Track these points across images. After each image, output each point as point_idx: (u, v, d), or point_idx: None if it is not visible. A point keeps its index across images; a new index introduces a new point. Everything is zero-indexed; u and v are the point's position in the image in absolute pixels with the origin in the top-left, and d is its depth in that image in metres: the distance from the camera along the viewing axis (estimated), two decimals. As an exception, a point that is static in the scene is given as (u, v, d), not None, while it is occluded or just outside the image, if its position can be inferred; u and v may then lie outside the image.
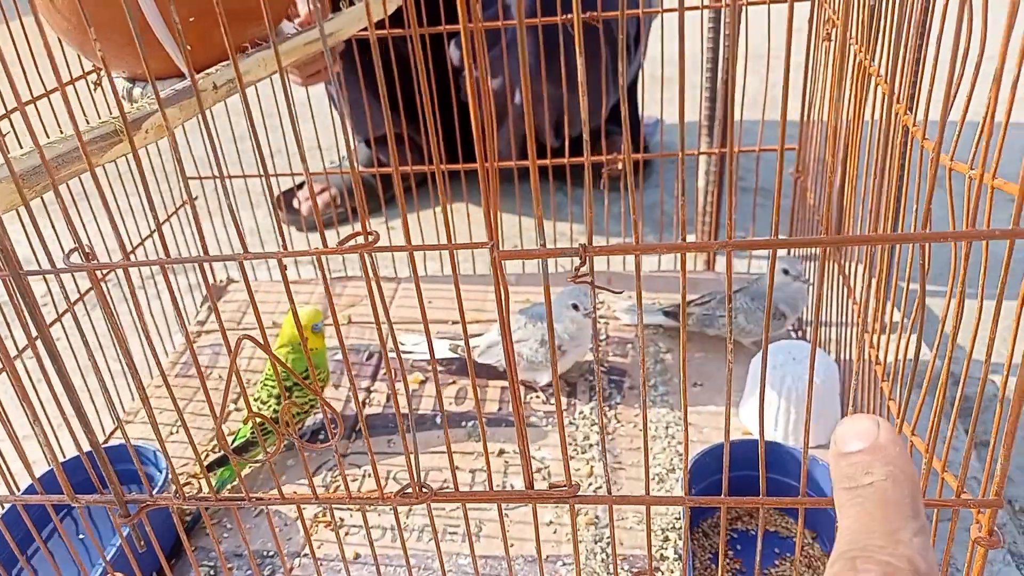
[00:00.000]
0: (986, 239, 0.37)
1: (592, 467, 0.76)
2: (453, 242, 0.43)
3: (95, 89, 0.78)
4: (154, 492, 0.51)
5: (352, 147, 1.30)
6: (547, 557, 0.67)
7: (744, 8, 0.93)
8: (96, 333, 0.77)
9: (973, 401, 0.43)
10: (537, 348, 0.83)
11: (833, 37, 0.76)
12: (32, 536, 0.54)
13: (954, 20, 0.43)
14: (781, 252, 1.00)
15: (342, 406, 0.88)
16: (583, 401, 0.85)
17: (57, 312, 0.81)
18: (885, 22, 0.57)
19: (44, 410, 0.65)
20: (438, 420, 0.85)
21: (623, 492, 0.73)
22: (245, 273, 0.44)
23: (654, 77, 1.58)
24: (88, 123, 0.49)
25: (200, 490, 0.75)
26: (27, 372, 0.67)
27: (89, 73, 0.82)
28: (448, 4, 0.97)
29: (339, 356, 0.95)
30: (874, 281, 0.62)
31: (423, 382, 0.90)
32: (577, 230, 1.30)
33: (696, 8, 0.91)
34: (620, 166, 0.99)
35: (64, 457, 0.72)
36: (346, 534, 0.71)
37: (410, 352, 0.91)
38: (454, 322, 0.99)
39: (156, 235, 0.63)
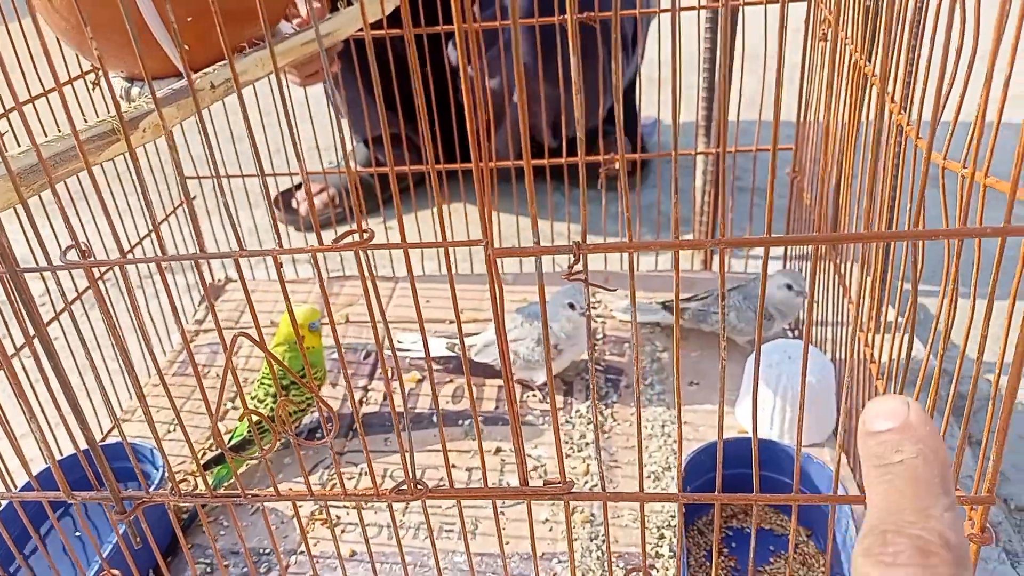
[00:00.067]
0: (977, 236, 0.38)
1: (588, 465, 0.76)
2: (448, 240, 0.43)
3: (93, 88, 0.78)
4: (150, 489, 0.51)
5: (351, 147, 1.30)
6: (543, 555, 0.68)
7: (741, 8, 0.94)
8: (95, 333, 0.77)
9: (967, 399, 0.44)
10: (534, 347, 0.84)
11: (829, 37, 0.76)
12: (30, 534, 0.54)
13: (948, 19, 0.43)
14: (778, 257, 1.00)
15: (339, 404, 0.88)
16: (580, 400, 0.85)
17: (55, 311, 0.81)
18: (880, 21, 0.57)
19: (42, 408, 0.65)
20: (435, 418, 0.85)
21: (619, 490, 0.73)
22: (241, 271, 0.44)
23: (652, 78, 1.58)
24: (87, 122, 0.49)
25: (196, 487, 0.75)
26: (24, 371, 0.67)
27: (88, 73, 0.83)
28: (445, 4, 0.97)
29: (336, 354, 0.96)
30: (868, 280, 0.62)
31: (420, 380, 0.90)
32: (574, 230, 1.30)
33: (693, 8, 0.92)
34: (617, 166, 0.99)
35: (62, 455, 0.72)
36: (342, 532, 0.72)
37: (407, 351, 0.91)
38: (451, 321, 0.99)
39: (153, 233, 0.63)
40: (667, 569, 0.65)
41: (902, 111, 0.54)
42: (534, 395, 0.87)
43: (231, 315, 1.05)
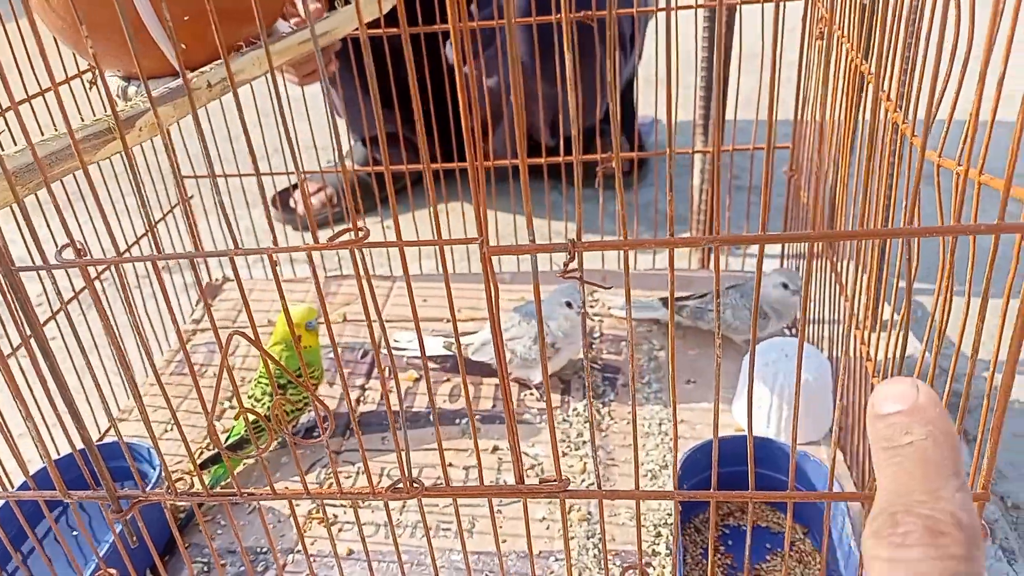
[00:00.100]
0: (971, 234, 0.38)
1: (585, 464, 0.76)
2: (443, 239, 0.43)
3: (91, 88, 0.78)
4: (148, 489, 0.51)
5: (349, 146, 1.30)
6: (540, 553, 0.68)
7: (738, 8, 0.94)
8: (92, 333, 0.77)
9: (962, 396, 0.44)
10: (531, 346, 0.84)
11: (825, 35, 0.76)
12: (28, 533, 0.54)
13: (942, 18, 0.43)
14: (776, 256, 1.00)
15: (337, 404, 0.88)
16: (577, 398, 0.85)
17: (52, 312, 0.81)
18: (876, 19, 0.57)
19: (39, 408, 0.65)
20: (431, 417, 0.85)
21: (616, 488, 0.73)
22: (236, 270, 0.44)
23: (650, 78, 1.58)
24: (84, 121, 0.49)
25: (192, 486, 0.75)
26: (22, 371, 0.67)
27: (85, 72, 0.83)
28: (443, 3, 0.97)
29: (333, 353, 0.96)
30: (864, 277, 0.62)
31: (417, 380, 0.90)
32: (572, 229, 1.30)
33: (690, 7, 0.92)
34: (615, 165, 0.99)
35: (60, 455, 0.72)
36: (339, 531, 0.72)
37: (404, 350, 0.91)
38: (449, 320, 0.99)
39: (153, 225, 0.63)
40: (664, 567, 0.65)
41: (897, 109, 0.54)
42: (531, 394, 0.87)
43: (229, 314, 1.05)
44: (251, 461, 0.79)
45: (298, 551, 0.70)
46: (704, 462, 0.66)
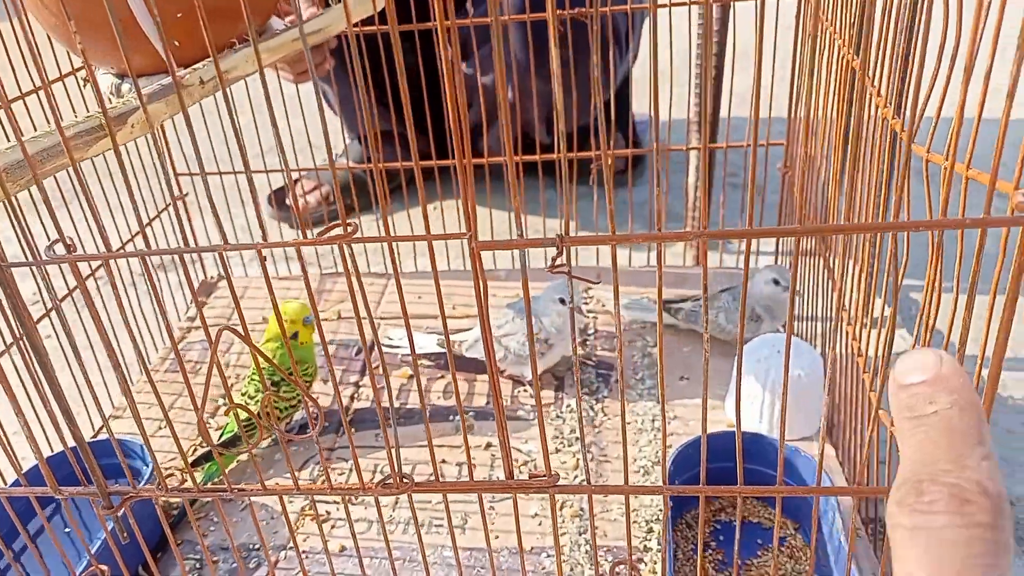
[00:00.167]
0: (956, 228, 0.38)
1: (578, 460, 0.77)
2: (432, 234, 0.43)
3: (85, 85, 0.78)
4: (140, 485, 0.51)
5: (344, 144, 1.30)
6: (532, 549, 0.68)
7: (732, 5, 0.94)
8: (86, 332, 0.77)
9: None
10: (524, 342, 0.84)
11: (819, 32, 0.76)
12: (20, 531, 0.54)
13: (927, 15, 0.43)
14: (771, 252, 1.01)
15: (331, 400, 0.89)
16: (571, 395, 0.85)
17: (47, 309, 0.81)
18: (867, 15, 0.58)
19: (32, 406, 0.65)
20: (427, 414, 0.85)
21: (608, 484, 0.74)
22: (226, 265, 0.44)
23: (647, 76, 1.58)
24: (77, 118, 0.49)
25: (183, 482, 0.76)
26: (15, 367, 0.67)
27: (79, 69, 0.83)
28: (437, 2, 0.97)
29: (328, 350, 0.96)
30: (856, 272, 0.62)
31: (411, 377, 0.90)
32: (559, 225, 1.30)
33: (684, 4, 0.92)
34: (610, 162, 1.00)
35: (54, 453, 0.72)
36: (332, 527, 0.72)
37: (398, 347, 0.92)
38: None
39: (147, 224, 0.63)
40: (656, 563, 0.65)
41: (888, 104, 0.54)
42: (525, 390, 0.87)
43: (224, 311, 1.05)
44: (245, 458, 0.79)
45: (291, 547, 0.70)
46: (696, 457, 0.66)
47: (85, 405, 0.82)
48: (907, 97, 0.48)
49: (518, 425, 0.82)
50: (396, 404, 0.87)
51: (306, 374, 0.81)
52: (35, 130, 0.62)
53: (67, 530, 0.74)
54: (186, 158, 1.03)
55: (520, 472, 0.76)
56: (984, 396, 0.40)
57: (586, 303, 0.99)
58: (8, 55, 0.74)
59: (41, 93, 0.77)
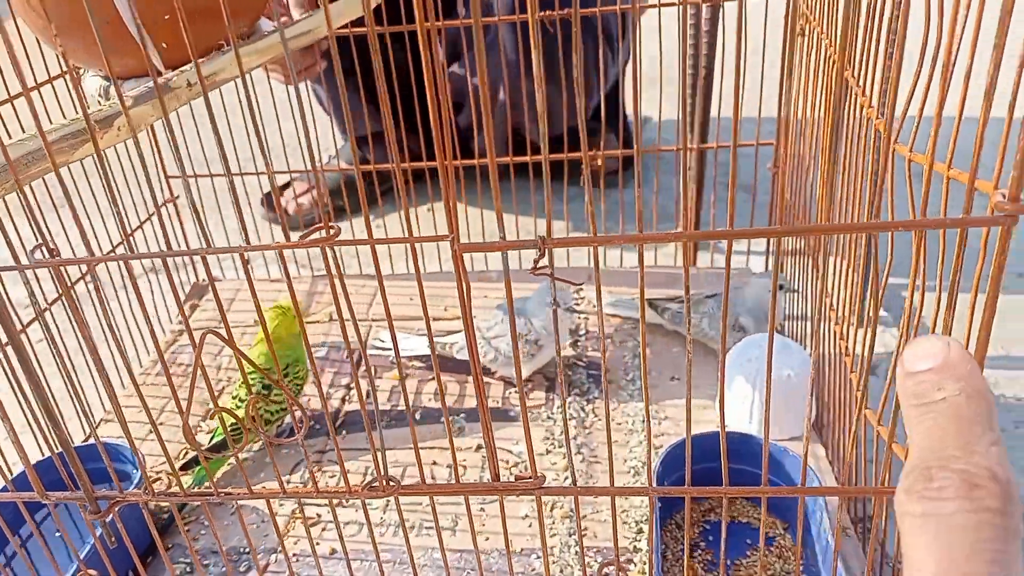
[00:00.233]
0: (936, 228, 0.38)
1: (571, 461, 0.76)
2: (414, 236, 0.43)
3: (78, 86, 0.78)
4: (130, 489, 0.51)
5: (337, 146, 1.29)
6: (523, 550, 0.68)
7: (721, 6, 0.94)
8: (77, 338, 0.77)
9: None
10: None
11: (807, 32, 0.76)
12: (8, 536, 0.54)
13: (904, 13, 0.43)
14: (761, 252, 1.00)
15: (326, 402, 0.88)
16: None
17: (37, 314, 0.81)
18: (852, 14, 0.58)
19: (23, 410, 0.65)
20: (418, 416, 0.85)
21: (601, 486, 0.74)
22: (208, 269, 0.44)
23: (639, 77, 1.57)
24: (65, 121, 0.49)
25: (169, 486, 0.75)
26: (4, 372, 0.67)
27: (67, 72, 0.83)
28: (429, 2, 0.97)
29: (320, 353, 0.96)
30: (842, 271, 0.62)
31: (405, 377, 0.90)
32: (559, 227, 1.30)
33: (673, 4, 0.92)
34: (600, 163, 1.00)
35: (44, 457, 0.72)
36: (323, 530, 0.72)
37: (389, 349, 0.91)
38: (435, 319, 0.99)
39: (131, 232, 0.63)
40: (645, 563, 0.65)
41: (871, 104, 0.54)
42: (516, 392, 0.87)
43: (216, 314, 1.05)
44: (230, 460, 0.79)
45: (280, 551, 0.70)
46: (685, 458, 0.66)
47: (78, 411, 0.82)
48: (885, 95, 0.48)
49: (510, 428, 0.82)
50: (387, 406, 0.87)
51: (297, 376, 0.81)
52: (23, 132, 0.62)
53: (57, 534, 0.74)
54: (186, 159, 1.03)
55: (512, 473, 0.76)
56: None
57: (577, 303, 0.99)
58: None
59: (36, 92, 0.77)
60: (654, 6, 0.91)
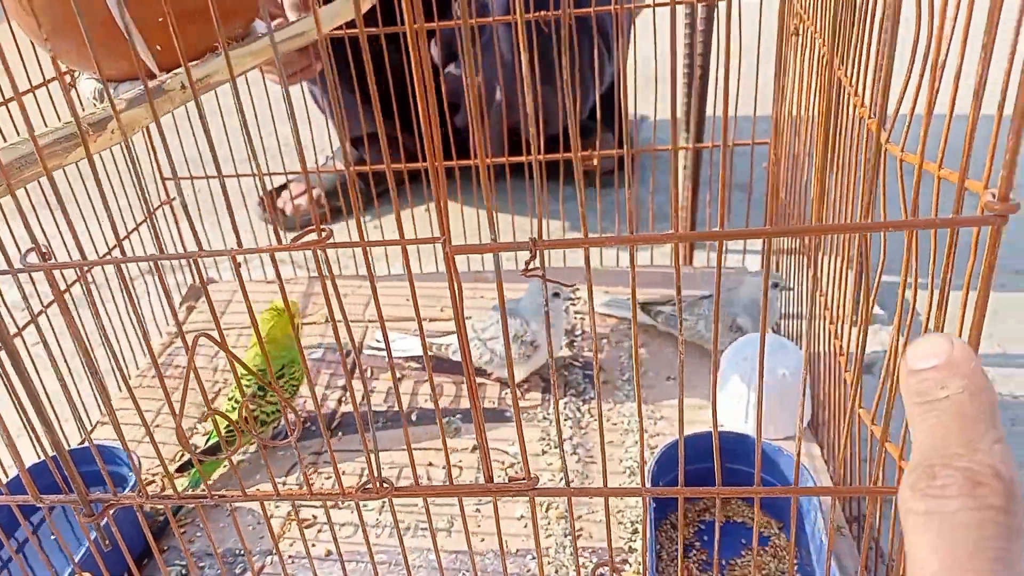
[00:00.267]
0: (925, 228, 0.38)
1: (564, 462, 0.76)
2: (406, 238, 0.43)
3: (70, 90, 0.78)
4: (125, 492, 0.51)
5: (333, 148, 1.29)
6: (518, 551, 0.68)
7: (716, 6, 0.94)
8: (74, 340, 0.77)
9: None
10: (511, 344, 0.84)
11: (800, 32, 0.76)
12: (3, 541, 0.54)
13: (895, 12, 0.43)
14: (756, 251, 1.00)
15: (321, 404, 0.88)
16: (559, 396, 0.85)
17: (32, 317, 0.81)
18: (842, 14, 0.58)
19: (19, 414, 0.65)
20: (415, 417, 0.85)
21: (595, 486, 0.74)
22: (200, 272, 0.44)
23: (637, 77, 1.58)
24: (59, 124, 0.49)
25: (164, 489, 0.75)
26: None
27: (66, 73, 0.83)
28: (427, 3, 0.97)
29: (316, 354, 0.96)
30: (836, 270, 0.62)
31: (401, 379, 0.90)
32: (554, 227, 1.31)
33: (667, 4, 0.92)
34: (595, 162, 1.00)
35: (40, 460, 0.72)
36: (318, 532, 0.72)
37: (381, 351, 0.91)
38: (432, 319, 0.99)
39: (126, 235, 0.63)
40: (640, 564, 0.65)
41: (864, 104, 0.54)
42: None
43: (211, 316, 1.04)
44: (235, 461, 0.79)
45: (276, 553, 0.70)
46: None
47: (76, 413, 0.82)
48: (877, 94, 0.48)
49: (506, 427, 0.82)
50: (384, 407, 0.87)
51: (294, 377, 0.81)
52: (18, 135, 0.62)
53: (52, 537, 0.74)
54: (179, 161, 1.03)
55: (508, 474, 0.76)
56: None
57: (574, 304, 0.99)
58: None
59: (32, 95, 0.77)
60: (648, 6, 0.91)
